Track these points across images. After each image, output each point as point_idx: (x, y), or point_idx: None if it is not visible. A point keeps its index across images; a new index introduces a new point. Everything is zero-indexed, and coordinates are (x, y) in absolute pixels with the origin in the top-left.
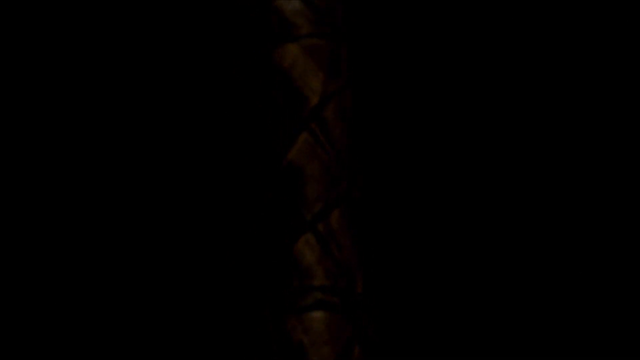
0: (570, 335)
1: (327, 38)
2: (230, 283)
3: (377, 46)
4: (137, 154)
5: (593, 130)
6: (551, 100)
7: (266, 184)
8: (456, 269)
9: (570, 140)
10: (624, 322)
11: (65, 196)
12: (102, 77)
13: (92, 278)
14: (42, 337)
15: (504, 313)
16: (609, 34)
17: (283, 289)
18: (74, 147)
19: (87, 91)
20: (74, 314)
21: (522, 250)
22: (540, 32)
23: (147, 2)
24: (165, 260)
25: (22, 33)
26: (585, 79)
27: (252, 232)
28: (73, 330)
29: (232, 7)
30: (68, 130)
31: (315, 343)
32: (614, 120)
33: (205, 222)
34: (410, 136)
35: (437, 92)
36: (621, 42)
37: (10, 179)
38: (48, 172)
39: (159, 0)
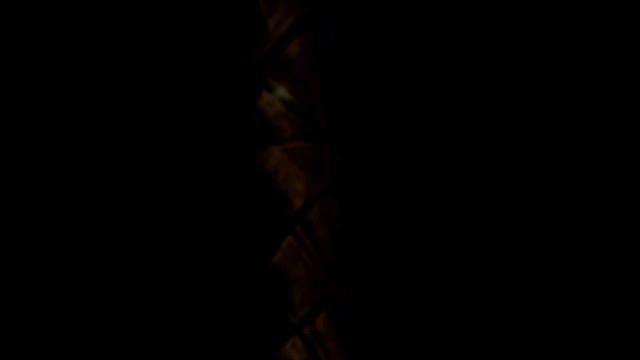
0: (568, 335)
1: (310, 140)
2: None
3: (361, 149)
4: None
5: (591, 130)
6: (548, 100)
7: (252, 287)
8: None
9: (566, 141)
10: (623, 322)
11: (58, 197)
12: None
13: (81, 280)
14: (37, 336)
15: (503, 314)
16: (607, 35)
17: None
18: (67, 149)
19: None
20: (68, 315)
21: (518, 251)
22: (526, 35)
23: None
24: None
25: (12, 33)
26: (583, 79)
27: (238, 336)
28: (68, 330)
29: (216, 110)
30: (60, 131)
31: None
32: (612, 120)
33: (192, 330)
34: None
35: (424, 185)
36: (618, 42)
37: (6, 179)
38: (38, 173)
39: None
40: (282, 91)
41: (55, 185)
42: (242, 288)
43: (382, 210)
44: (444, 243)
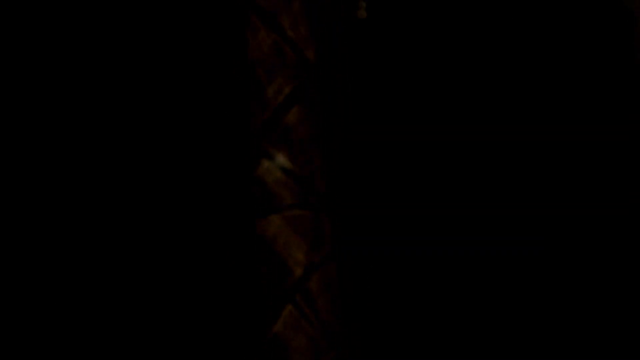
0: (567, 335)
1: (310, 209)
2: None
3: (360, 214)
4: None
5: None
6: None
7: (252, 357)
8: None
9: (563, 142)
10: (623, 322)
11: (51, 200)
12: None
13: (74, 281)
14: (34, 336)
15: (501, 315)
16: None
17: None
18: (62, 148)
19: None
20: (64, 315)
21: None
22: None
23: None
24: None
25: (10, 33)
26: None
27: None
28: (64, 330)
29: (217, 178)
30: (55, 131)
31: None
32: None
33: None
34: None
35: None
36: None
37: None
38: (32, 173)
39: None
40: (281, 159)
41: (48, 189)
42: (243, 357)
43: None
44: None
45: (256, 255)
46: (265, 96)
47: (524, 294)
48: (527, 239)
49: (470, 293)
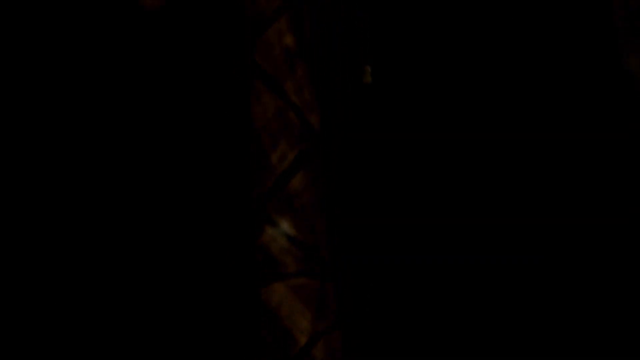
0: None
1: (314, 277)
2: None
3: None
4: None
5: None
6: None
7: None
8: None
9: (559, 143)
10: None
11: (47, 203)
12: None
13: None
14: (34, 336)
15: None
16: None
17: None
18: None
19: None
20: (64, 315)
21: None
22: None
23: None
24: None
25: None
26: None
27: None
28: (64, 330)
29: (220, 246)
30: (53, 132)
31: None
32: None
33: None
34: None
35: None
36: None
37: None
38: (31, 173)
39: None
40: (285, 226)
41: (44, 192)
42: None
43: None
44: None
45: (260, 323)
46: (269, 162)
47: (523, 303)
48: (527, 247)
49: (469, 303)
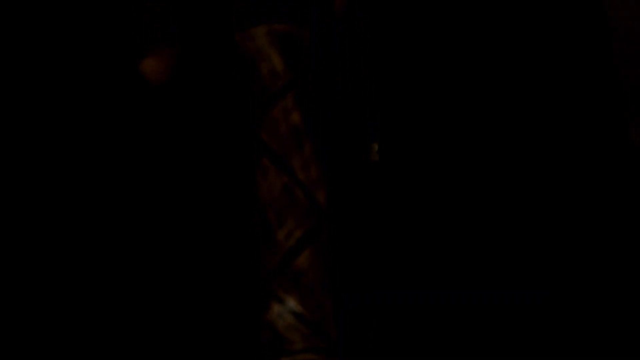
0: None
1: (321, 353)
2: None
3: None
4: None
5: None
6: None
7: None
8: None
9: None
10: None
11: (53, 197)
12: None
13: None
14: (33, 336)
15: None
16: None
17: None
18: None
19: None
20: (63, 315)
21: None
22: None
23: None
24: None
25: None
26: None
27: None
28: (64, 330)
29: (226, 323)
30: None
31: None
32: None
33: None
34: None
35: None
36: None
37: (8, 178)
38: (33, 173)
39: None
40: (292, 303)
41: (46, 194)
42: None
43: None
44: None
45: None
46: (275, 239)
47: (527, 344)
48: (529, 288)
49: (473, 344)
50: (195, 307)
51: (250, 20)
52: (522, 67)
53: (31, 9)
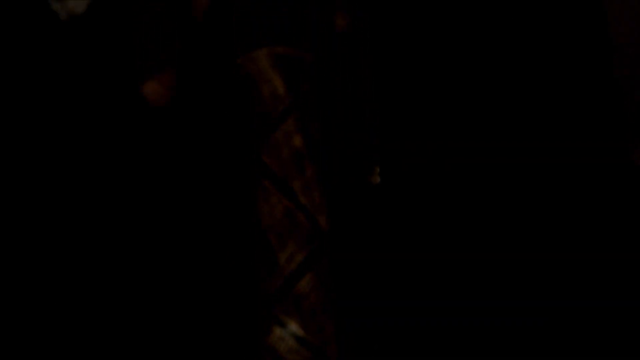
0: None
1: None
2: None
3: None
4: None
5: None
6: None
7: None
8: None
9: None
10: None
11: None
12: None
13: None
14: (33, 336)
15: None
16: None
17: None
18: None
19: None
20: (63, 315)
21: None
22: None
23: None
24: None
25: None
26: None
27: None
28: (64, 330)
29: (227, 345)
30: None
31: None
32: None
33: None
34: None
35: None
36: None
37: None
38: (35, 174)
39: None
40: (293, 327)
41: (47, 194)
42: None
43: None
44: None
45: None
46: (277, 263)
47: (528, 348)
48: (531, 307)
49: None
50: (196, 330)
51: (251, 43)
52: (523, 72)
53: (35, 32)
